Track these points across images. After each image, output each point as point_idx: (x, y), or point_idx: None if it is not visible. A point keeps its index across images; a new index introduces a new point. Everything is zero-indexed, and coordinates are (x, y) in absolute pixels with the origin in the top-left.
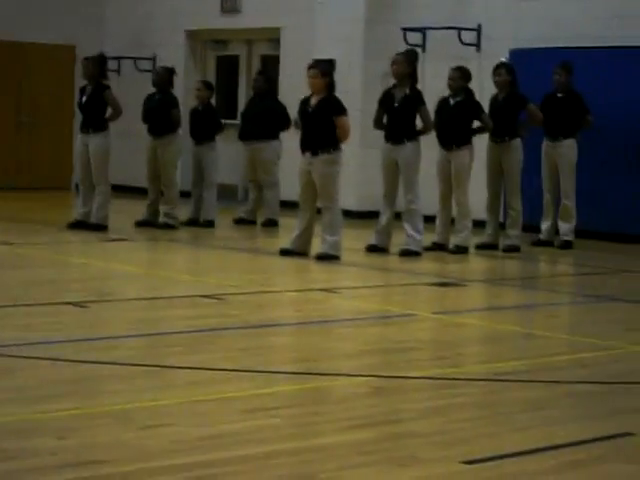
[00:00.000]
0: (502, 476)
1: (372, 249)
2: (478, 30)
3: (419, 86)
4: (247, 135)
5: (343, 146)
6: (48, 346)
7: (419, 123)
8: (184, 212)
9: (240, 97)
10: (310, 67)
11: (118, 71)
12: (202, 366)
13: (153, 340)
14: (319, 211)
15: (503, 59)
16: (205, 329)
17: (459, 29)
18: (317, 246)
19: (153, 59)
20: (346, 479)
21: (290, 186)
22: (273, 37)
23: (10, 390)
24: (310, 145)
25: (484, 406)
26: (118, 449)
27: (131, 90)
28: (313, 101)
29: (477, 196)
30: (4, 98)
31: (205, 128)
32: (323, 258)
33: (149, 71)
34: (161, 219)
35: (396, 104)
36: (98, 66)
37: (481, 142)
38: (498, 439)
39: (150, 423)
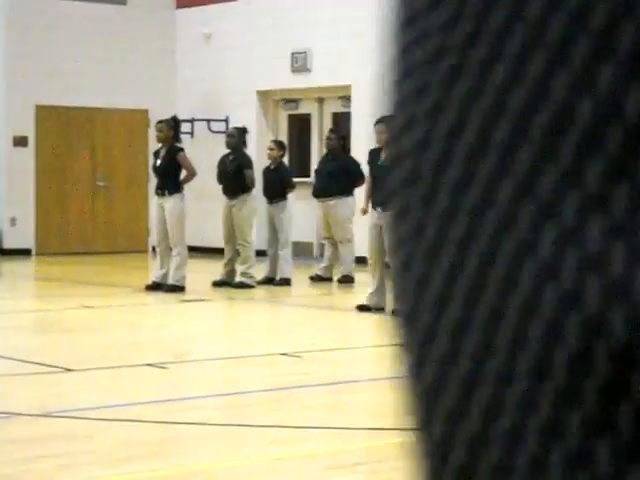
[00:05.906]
0: None
1: None
2: None
3: None
4: (321, 192)
5: None
6: (128, 408)
7: None
8: (260, 271)
9: (313, 155)
10: (377, 122)
11: (191, 133)
12: (282, 424)
13: (233, 399)
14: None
15: None
16: (284, 387)
17: None
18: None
19: (226, 120)
20: None
21: (365, 242)
22: (344, 94)
23: (90, 453)
24: (380, 199)
25: None
26: None
27: (204, 151)
28: (383, 156)
29: None
30: (80, 163)
31: (277, 187)
32: None
33: (222, 132)
34: (238, 278)
35: None
36: (172, 129)
37: None
38: None
39: None
